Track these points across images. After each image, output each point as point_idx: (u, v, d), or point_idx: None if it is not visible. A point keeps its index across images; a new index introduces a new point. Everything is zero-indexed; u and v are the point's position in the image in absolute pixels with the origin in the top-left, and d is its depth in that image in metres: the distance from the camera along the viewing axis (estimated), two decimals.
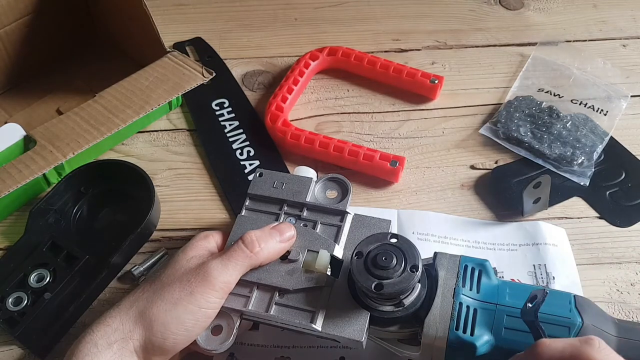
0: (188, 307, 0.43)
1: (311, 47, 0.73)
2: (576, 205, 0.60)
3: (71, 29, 0.73)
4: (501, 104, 0.69)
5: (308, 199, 0.51)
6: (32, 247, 0.55)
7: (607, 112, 0.67)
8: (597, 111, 0.67)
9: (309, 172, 0.55)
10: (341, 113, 0.69)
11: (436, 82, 0.68)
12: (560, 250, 0.56)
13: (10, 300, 0.52)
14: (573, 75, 0.71)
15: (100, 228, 0.59)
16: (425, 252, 0.46)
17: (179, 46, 0.75)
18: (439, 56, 0.75)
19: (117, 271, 0.56)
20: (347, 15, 0.80)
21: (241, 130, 0.67)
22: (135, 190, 0.59)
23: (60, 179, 0.59)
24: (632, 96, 0.69)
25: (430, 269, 0.45)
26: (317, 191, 0.52)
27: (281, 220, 0.50)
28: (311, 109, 0.70)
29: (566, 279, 0.54)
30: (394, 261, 0.42)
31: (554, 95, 0.69)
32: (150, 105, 0.61)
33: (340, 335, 0.43)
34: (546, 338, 0.39)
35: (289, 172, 0.59)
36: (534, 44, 0.75)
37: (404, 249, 0.43)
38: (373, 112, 0.69)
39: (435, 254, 0.46)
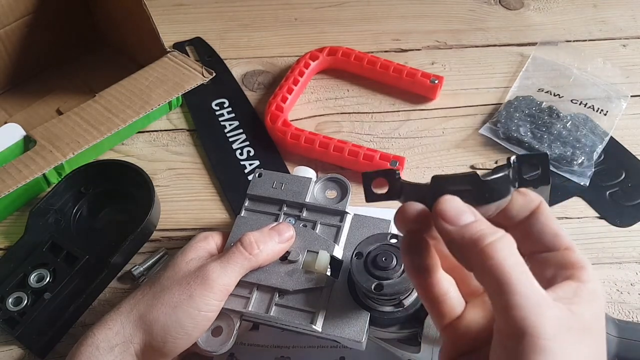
0: (188, 310, 0.42)
1: (311, 47, 0.73)
2: (576, 205, 0.60)
3: (71, 29, 0.73)
4: (501, 104, 0.69)
5: (307, 199, 0.51)
6: (32, 247, 0.55)
7: (607, 112, 0.67)
8: (597, 111, 0.67)
9: (308, 172, 0.55)
10: (341, 113, 0.69)
11: (436, 82, 0.68)
12: None
13: (10, 300, 0.52)
14: (573, 75, 0.71)
15: (100, 228, 0.59)
16: None
17: (179, 46, 0.75)
18: (439, 56, 0.75)
19: (117, 271, 0.56)
20: (347, 15, 0.80)
21: (241, 130, 0.67)
22: (135, 190, 0.59)
23: (60, 179, 0.59)
24: (632, 96, 0.69)
25: None
26: (316, 191, 0.52)
27: (280, 221, 0.50)
28: (311, 109, 0.70)
29: None
30: (394, 261, 0.42)
31: (554, 95, 0.69)
32: (150, 105, 0.61)
33: (340, 336, 0.43)
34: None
35: (289, 172, 0.59)
36: (534, 44, 0.75)
37: None
38: (373, 112, 0.69)
39: None
